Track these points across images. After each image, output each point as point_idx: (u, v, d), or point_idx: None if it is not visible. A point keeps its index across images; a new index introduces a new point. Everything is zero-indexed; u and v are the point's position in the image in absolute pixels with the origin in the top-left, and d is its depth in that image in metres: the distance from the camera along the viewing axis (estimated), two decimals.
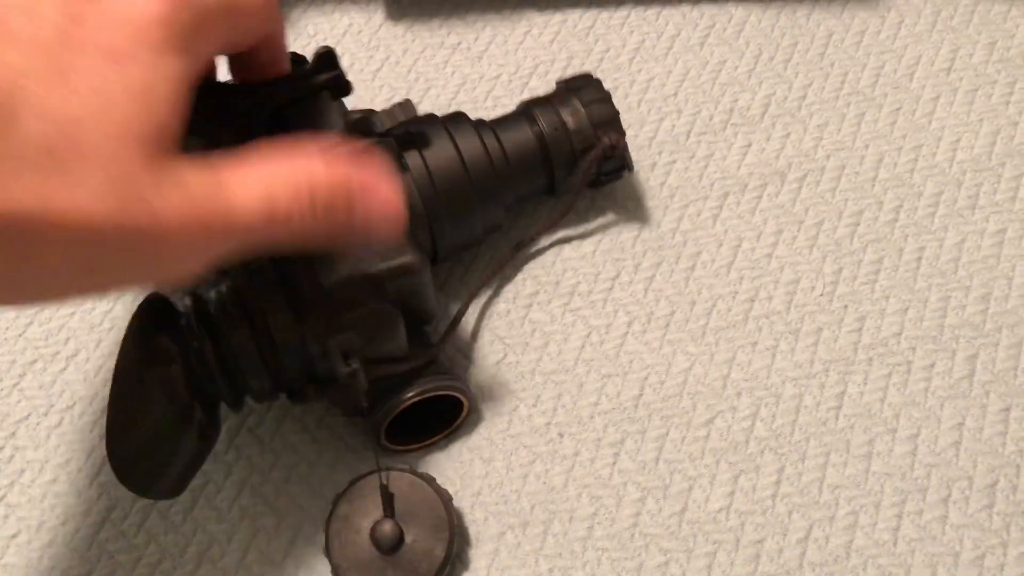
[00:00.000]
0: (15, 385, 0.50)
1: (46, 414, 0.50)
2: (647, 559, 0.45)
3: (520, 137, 0.50)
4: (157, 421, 0.40)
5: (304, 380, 0.43)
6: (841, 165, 0.55)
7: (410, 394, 0.44)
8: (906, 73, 0.58)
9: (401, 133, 0.46)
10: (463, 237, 0.49)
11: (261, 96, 0.41)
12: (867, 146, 0.56)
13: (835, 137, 0.56)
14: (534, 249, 0.53)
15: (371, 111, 0.46)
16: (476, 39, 0.61)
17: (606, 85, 0.59)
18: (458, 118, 0.49)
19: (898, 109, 0.57)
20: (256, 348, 0.42)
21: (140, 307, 0.42)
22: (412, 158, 0.47)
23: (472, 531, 0.46)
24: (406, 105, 0.45)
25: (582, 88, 0.51)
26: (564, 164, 0.50)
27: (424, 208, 0.47)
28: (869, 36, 0.60)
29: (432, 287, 0.45)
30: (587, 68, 0.60)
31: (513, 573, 0.45)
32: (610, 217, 0.54)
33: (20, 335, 0.52)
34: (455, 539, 0.44)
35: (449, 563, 0.44)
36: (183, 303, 0.43)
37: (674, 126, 0.57)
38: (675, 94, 0.58)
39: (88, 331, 0.52)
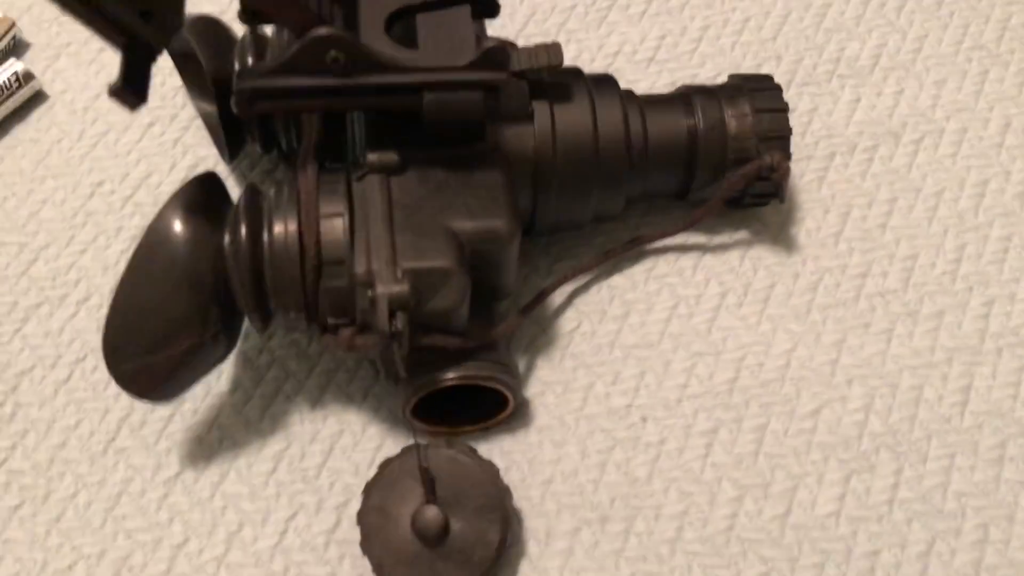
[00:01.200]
0: (17, 331, 0.44)
1: (53, 366, 0.43)
2: (745, 568, 0.39)
3: (669, 125, 0.43)
4: (170, 312, 0.36)
5: (342, 321, 0.37)
6: (963, 128, 0.49)
7: (449, 375, 0.38)
8: None
9: (537, 80, 0.39)
10: (569, 216, 0.43)
11: None
12: (992, 108, 0.49)
13: (955, 96, 0.50)
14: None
15: (511, 43, 0.39)
16: None
17: (694, 23, 0.52)
18: (607, 82, 0.42)
19: None
20: (298, 261, 0.36)
21: (191, 181, 0.37)
22: (541, 110, 0.40)
23: (542, 525, 0.40)
24: (553, 49, 0.38)
25: (757, 91, 0.43)
26: (709, 170, 0.43)
27: (535, 170, 0.40)
28: None
29: (516, 261, 0.39)
30: (674, 3, 0.53)
31: None
32: None
33: (23, 273, 0.45)
34: (510, 519, 0.38)
35: (506, 546, 0.38)
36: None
37: (773, 74, 0.51)
38: (774, 38, 0.52)
39: (102, 272, 0.45)
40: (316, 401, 0.42)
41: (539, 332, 0.44)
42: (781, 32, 0.52)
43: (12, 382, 0.43)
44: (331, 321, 0.37)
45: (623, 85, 0.50)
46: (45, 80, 0.51)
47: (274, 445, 0.41)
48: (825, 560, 0.39)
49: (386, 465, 0.38)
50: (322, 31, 0.34)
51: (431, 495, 0.37)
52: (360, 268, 0.35)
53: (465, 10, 0.39)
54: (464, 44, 0.37)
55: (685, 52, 0.51)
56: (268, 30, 0.43)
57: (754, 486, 0.40)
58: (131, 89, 0.33)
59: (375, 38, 0.37)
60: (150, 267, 0.36)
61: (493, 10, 0.40)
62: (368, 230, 0.36)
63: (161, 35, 0.33)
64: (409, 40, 0.38)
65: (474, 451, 0.39)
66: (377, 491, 0.38)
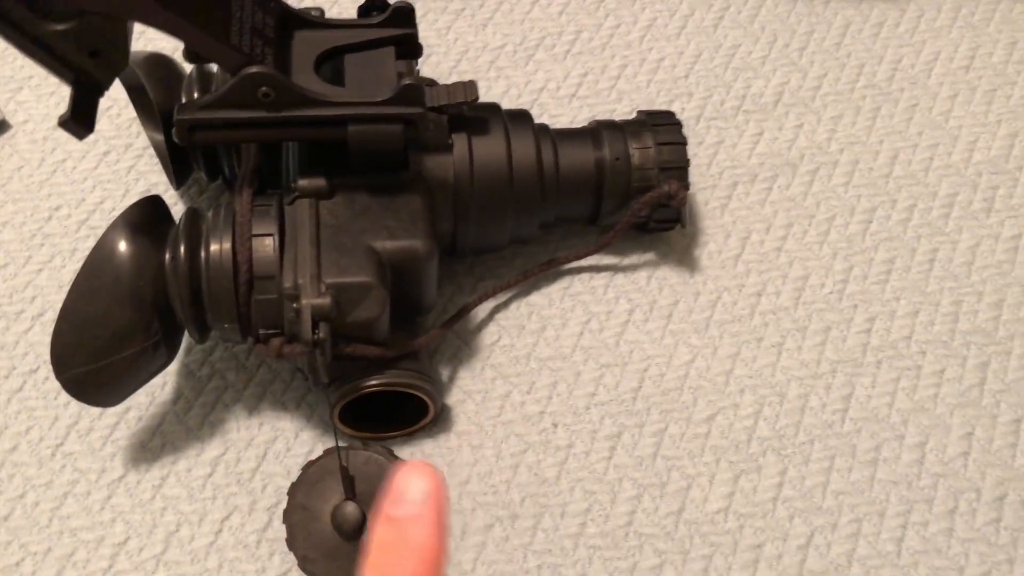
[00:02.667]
0: None
1: (7, 377, 0.46)
2: (641, 560, 0.42)
3: (579, 156, 0.46)
4: (114, 323, 0.39)
5: (272, 331, 0.40)
6: (855, 160, 0.53)
7: (372, 382, 0.42)
8: (924, 69, 0.57)
9: (456, 113, 0.43)
10: (487, 240, 0.46)
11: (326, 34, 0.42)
12: (882, 141, 0.54)
13: (849, 131, 0.54)
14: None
15: (431, 81, 0.43)
16: (481, 6, 0.58)
17: (614, 62, 0.56)
18: (521, 117, 0.46)
19: (915, 105, 0.55)
20: (231, 276, 0.39)
21: (135, 203, 0.41)
22: (459, 142, 0.44)
23: (458, 522, 0.43)
24: (469, 86, 0.42)
25: (660, 125, 0.47)
26: (616, 198, 0.47)
27: (454, 197, 0.44)
28: (888, 28, 0.58)
29: (435, 279, 0.43)
30: (595, 43, 0.57)
31: (500, 568, 0.42)
32: None
33: None
34: None
35: None
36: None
37: (684, 109, 0.55)
38: (686, 76, 0.56)
39: (56, 290, 0.49)
40: (253, 409, 0.46)
41: (462, 345, 0.48)
42: (692, 70, 0.56)
43: None
44: (262, 332, 0.40)
45: (547, 119, 0.54)
46: (8, 111, 0.54)
47: (212, 451, 0.45)
48: (714, 552, 0.43)
49: (309, 467, 0.42)
50: (252, 69, 0.38)
51: (350, 493, 0.41)
52: (287, 282, 0.39)
53: (389, 51, 0.43)
54: (386, 81, 0.41)
55: (604, 88, 0.56)
56: (214, 67, 0.47)
57: (652, 485, 0.44)
58: (79, 120, 0.36)
59: (304, 76, 0.41)
60: (96, 282, 0.39)
61: (416, 51, 0.44)
62: (296, 248, 0.40)
63: (108, 72, 0.37)
64: (337, 78, 0.42)
65: (391, 452, 0.42)
66: (301, 491, 0.41)
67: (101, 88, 0.38)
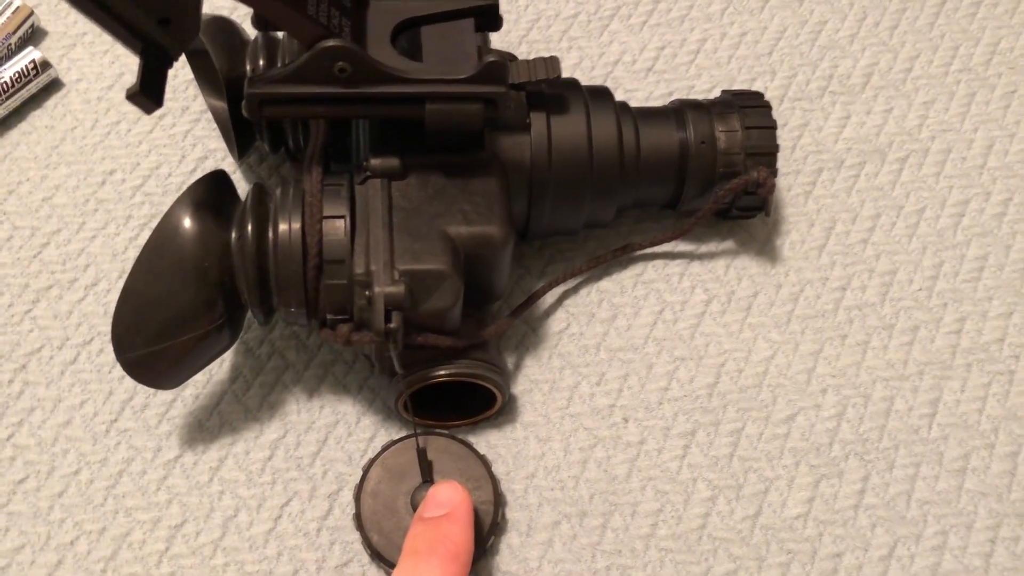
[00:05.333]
0: (27, 312, 0.46)
1: (60, 348, 0.45)
2: (715, 565, 0.41)
3: (661, 138, 0.44)
4: (177, 304, 0.38)
5: (341, 317, 0.39)
6: (947, 148, 0.50)
7: (440, 372, 0.40)
8: (1023, 53, 0.53)
9: (535, 92, 0.41)
10: (562, 223, 0.44)
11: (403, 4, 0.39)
12: (976, 130, 0.51)
13: (942, 117, 0.51)
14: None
15: (511, 56, 0.41)
16: None
17: (693, 35, 0.54)
18: (602, 95, 0.44)
19: (1012, 92, 0.52)
20: (300, 259, 0.38)
21: (201, 179, 0.39)
22: (538, 121, 0.42)
23: (523, 517, 0.42)
24: (551, 62, 0.40)
25: (748, 108, 0.45)
26: (699, 183, 0.44)
27: (530, 178, 0.42)
28: (985, 9, 0.55)
29: (508, 266, 0.41)
30: (674, 15, 0.54)
31: (567, 568, 0.41)
32: None
33: (35, 256, 0.47)
34: (499, 508, 0.40)
35: (495, 531, 0.40)
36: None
37: (767, 88, 0.52)
38: (769, 53, 0.53)
39: (110, 259, 0.47)
40: (313, 392, 0.44)
41: (529, 332, 0.46)
42: (776, 48, 0.53)
43: (21, 361, 0.45)
44: (330, 317, 0.39)
45: (621, 94, 0.52)
46: (61, 68, 0.52)
47: (271, 433, 0.43)
48: (791, 560, 0.41)
49: (387, 447, 0.41)
50: (330, 43, 0.35)
51: (428, 476, 0.39)
52: (359, 268, 0.37)
53: (468, 23, 0.40)
54: (466, 57, 0.39)
55: (682, 64, 0.53)
56: (281, 33, 0.44)
57: (727, 487, 0.42)
58: (148, 93, 0.34)
59: (381, 49, 0.38)
60: (160, 261, 0.38)
61: (496, 24, 0.41)
62: (368, 232, 0.38)
63: (178, 42, 0.35)
64: (414, 51, 0.39)
65: (470, 444, 0.41)
66: (376, 471, 0.40)
67: (170, 59, 0.35)
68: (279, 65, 0.43)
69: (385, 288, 0.36)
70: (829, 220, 0.48)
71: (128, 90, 0.34)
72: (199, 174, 0.49)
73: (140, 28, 0.34)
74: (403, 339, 0.37)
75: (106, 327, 0.45)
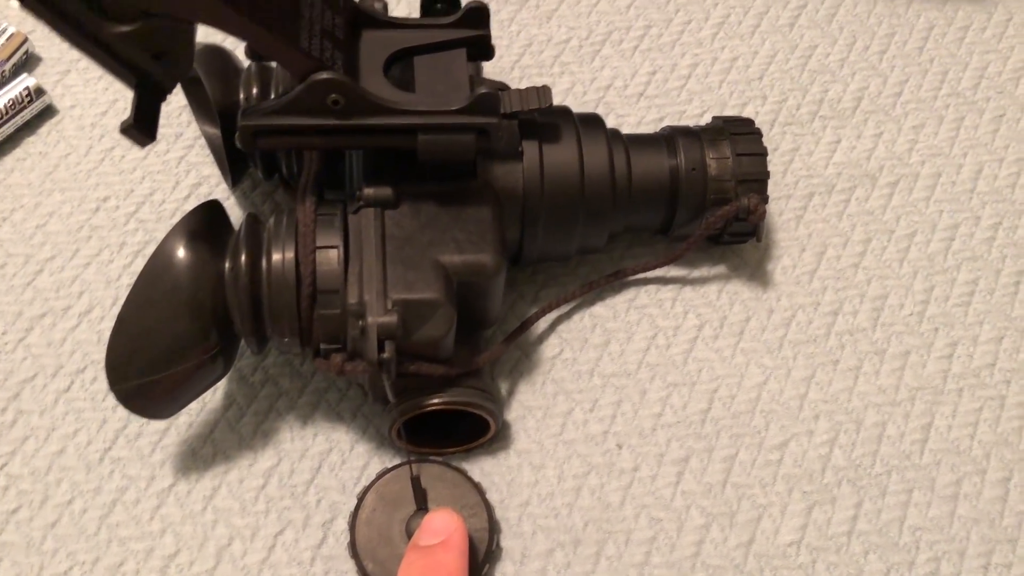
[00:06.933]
0: (21, 340, 0.46)
1: (54, 376, 0.45)
2: None
3: (652, 164, 0.44)
4: (171, 334, 0.38)
5: (334, 347, 0.39)
6: (937, 172, 0.51)
7: (433, 400, 0.40)
8: (1012, 77, 0.54)
9: (527, 120, 0.41)
10: (554, 249, 0.44)
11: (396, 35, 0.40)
12: (965, 154, 0.51)
13: (931, 141, 0.52)
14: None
15: (503, 85, 0.41)
16: None
17: (684, 60, 0.54)
18: (594, 122, 0.44)
19: (1001, 116, 0.53)
20: (294, 289, 0.38)
21: (195, 209, 0.39)
22: (530, 149, 0.42)
23: (517, 546, 0.42)
24: (543, 91, 0.40)
25: (738, 134, 0.45)
26: (690, 209, 0.45)
27: (523, 206, 0.42)
28: (973, 33, 0.55)
29: (501, 293, 0.41)
30: (665, 40, 0.55)
31: None
32: None
33: (28, 283, 0.47)
34: (494, 535, 0.40)
35: (489, 559, 0.40)
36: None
37: (757, 113, 0.52)
38: (760, 78, 0.54)
39: (104, 286, 0.47)
40: (307, 419, 0.44)
41: (522, 357, 0.46)
42: (767, 72, 0.54)
43: (14, 389, 0.45)
44: (323, 346, 0.39)
45: (612, 119, 0.52)
46: (55, 95, 0.52)
47: (265, 461, 0.43)
48: None
49: (382, 475, 0.41)
50: (323, 75, 0.36)
51: (423, 504, 0.39)
52: (352, 298, 0.37)
53: (461, 53, 0.40)
54: (458, 87, 0.39)
55: (674, 88, 0.53)
56: (273, 63, 0.45)
57: (721, 514, 0.42)
58: (141, 127, 0.34)
59: (374, 80, 0.39)
60: (154, 291, 0.38)
61: (488, 54, 0.42)
62: (361, 261, 0.38)
63: (172, 75, 0.35)
64: (407, 81, 0.40)
65: (465, 472, 0.41)
66: (371, 498, 0.40)
67: (164, 92, 0.36)
68: (272, 94, 0.44)
69: (378, 318, 0.36)
70: (820, 245, 0.49)
71: (122, 124, 0.34)
72: (193, 200, 0.49)
73: (134, 62, 0.34)
74: (396, 368, 0.37)
75: (100, 355, 0.45)
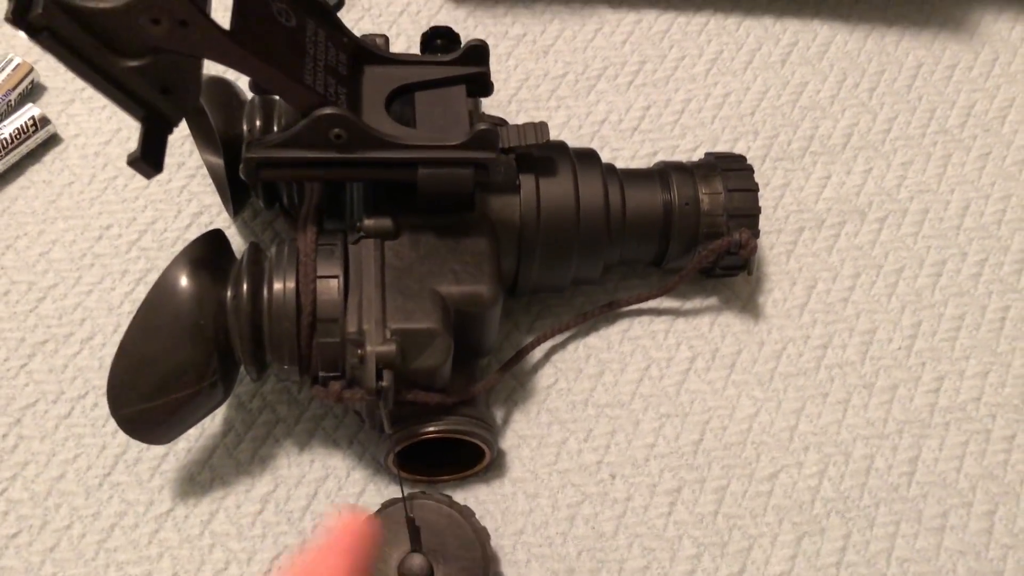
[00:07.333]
0: (23, 367, 0.46)
1: (55, 402, 0.46)
2: None
3: (646, 199, 0.45)
4: (173, 361, 0.38)
5: (333, 375, 0.39)
6: (925, 208, 0.52)
7: (429, 428, 0.41)
8: (998, 116, 0.55)
9: (525, 154, 0.42)
10: (550, 281, 0.45)
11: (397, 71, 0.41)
12: (953, 191, 0.53)
13: (920, 178, 0.53)
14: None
15: (502, 121, 0.42)
16: (543, 32, 0.57)
17: (678, 95, 0.55)
18: (589, 157, 0.45)
19: (987, 154, 0.54)
20: (294, 317, 0.38)
21: (198, 239, 0.40)
22: (527, 183, 0.43)
23: (513, 574, 0.42)
24: (540, 127, 0.41)
25: (730, 171, 0.46)
26: (682, 243, 0.46)
27: (519, 238, 0.43)
28: (960, 72, 0.56)
29: (497, 323, 0.42)
30: (659, 75, 0.56)
31: None
32: None
33: (31, 311, 0.48)
34: (488, 571, 0.41)
35: None
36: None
37: (749, 148, 0.53)
38: (752, 114, 0.55)
39: (106, 313, 0.48)
40: (304, 446, 0.45)
41: (517, 386, 0.47)
42: (759, 108, 0.55)
43: (16, 415, 0.45)
44: (322, 374, 0.40)
45: (607, 153, 0.53)
46: (59, 124, 0.53)
47: (262, 487, 0.44)
48: None
49: (387, 505, 0.41)
50: (326, 110, 0.37)
51: (417, 544, 0.40)
52: (352, 327, 0.38)
53: (460, 90, 0.42)
54: (458, 123, 0.40)
55: (667, 123, 0.54)
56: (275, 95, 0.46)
57: (712, 544, 0.43)
58: (148, 159, 0.35)
59: (375, 115, 0.40)
60: (156, 317, 0.39)
61: (487, 90, 0.43)
62: (361, 291, 0.39)
63: (178, 109, 0.36)
64: (408, 116, 0.41)
65: (472, 514, 0.41)
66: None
67: (171, 125, 0.37)
68: (275, 126, 0.44)
69: (377, 347, 0.37)
70: (810, 279, 0.50)
71: (129, 156, 0.35)
72: (195, 229, 0.50)
73: (142, 96, 0.35)
74: (393, 396, 0.38)
75: (101, 381, 0.46)
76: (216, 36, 0.34)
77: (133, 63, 0.34)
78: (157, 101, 0.35)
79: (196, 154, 0.52)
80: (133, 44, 0.34)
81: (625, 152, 0.53)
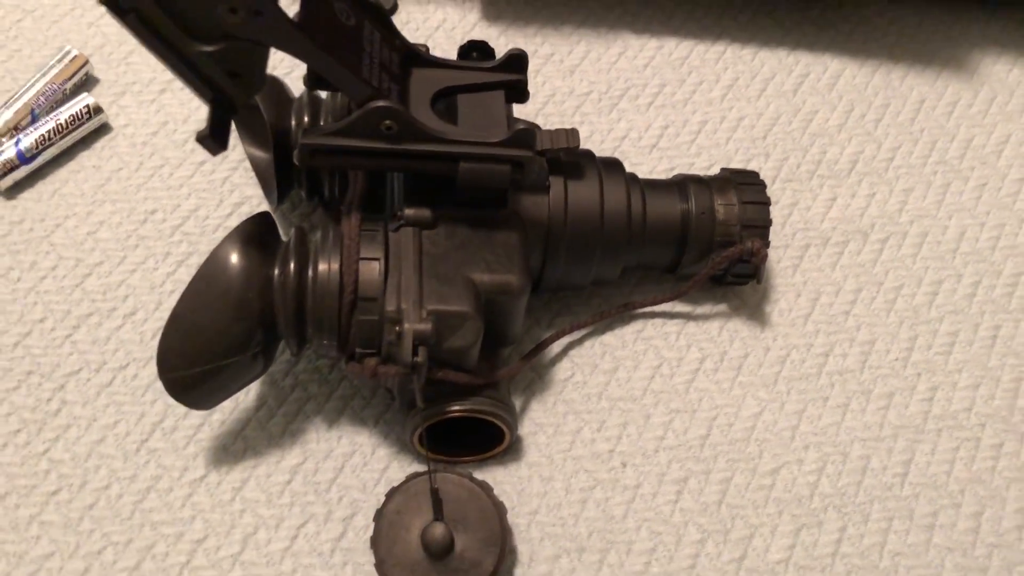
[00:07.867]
0: (68, 337, 0.49)
1: (98, 371, 0.48)
2: None
3: (666, 207, 0.48)
4: (220, 331, 0.41)
5: (369, 351, 0.42)
6: (924, 232, 0.55)
7: (456, 407, 0.43)
8: (994, 150, 0.59)
9: (555, 158, 0.45)
10: (571, 278, 0.48)
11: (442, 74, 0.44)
12: (951, 217, 0.56)
13: (920, 203, 0.56)
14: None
15: (536, 125, 0.46)
16: (570, 53, 0.61)
17: (695, 117, 0.59)
18: (614, 166, 0.48)
19: (984, 185, 0.57)
20: (336, 295, 0.41)
21: (250, 218, 0.43)
22: (556, 184, 0.46)
23: (526, 550, 0.45)
24: (571, 133, 0.45)
25: (744, 184, 0.49)
26: (697, 249, 0.49)
27: (546, 235, 0.46)
28: (960, 108, 0.60)
29: (523, 313, 0.45)
30: (678, 98, 0.59)
31: None
32: None
33: (77, 285, 0.50)
34: (505, 555, 0.43)
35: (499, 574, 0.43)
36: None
37: (761, 169, 0.57)
38: (764, 137, 0.58)
39: (149, 291, 0.51)
40: (332, 423, 0.47)
41: (536, 378, 0.49)
42: (771, 132, 0.58)
43: (60, 381, 0.48)
44: (359, 351, 0.42)
45: (628, 167, 0.56)
46: (110, 114, 0.56)
47: (291, 459, 0.46)
48: None
49: (412, 478, 0.43)
50: (380, 103, 0.40)
51: (439, 514, 0.42)
52: (390, 306, 0.41)
53: (499, 95, 0.45)
54: (497, 123, 0.43)
55: (684, 142, 0.58)
56: (323, 94, 0.49)
57: (716, 531, 0.45)
58: (215, 137, 0.38)
59: (422, 112, 0.43)
60: (207, 290, 0.41)
61: (523, 97, 0.46)
62: (400, 274, 0.41)
63: (244, 93, 0.39)
64: (450, 116, 0.44)
65: (491, 489, 0.44)
66: (399, 496, 0.43)
67: (235, 108, 0.40)
68: (321, 121, 0.48)
69: (414, 325, 0.40)
70: (814, 292, 0.53)
71: (198, 133, 0.38)
72: (235, 218, 0.53)
73: (213, 80, 0.38)
74: (426, 373, 0.41)
75: (141, 353, 0.48)
76: (286, 27, 0.37)
77: (208, 48, 0.37)
78: (226, 84, 0.38)
79: (239, 148, 0.55)
80: (209, 30, 0.37)
81: (644, 167, 0.57)
